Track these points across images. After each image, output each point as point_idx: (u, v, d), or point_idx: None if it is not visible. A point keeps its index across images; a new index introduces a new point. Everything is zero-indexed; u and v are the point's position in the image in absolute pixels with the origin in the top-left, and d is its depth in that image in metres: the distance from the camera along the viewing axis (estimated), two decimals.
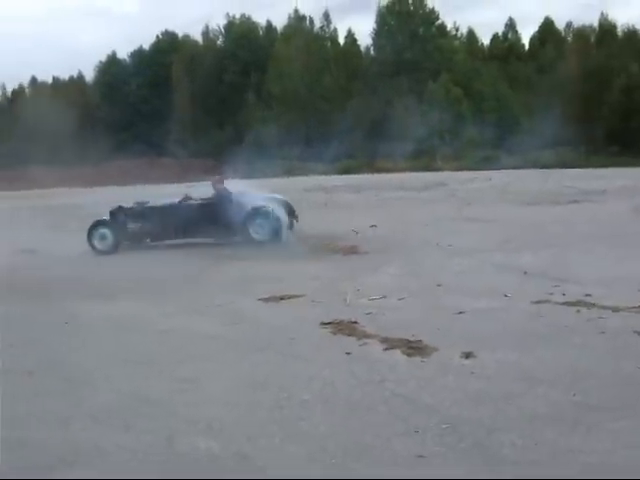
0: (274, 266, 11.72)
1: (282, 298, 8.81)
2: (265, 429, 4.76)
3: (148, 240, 15.36)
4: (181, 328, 7.70)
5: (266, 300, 8.77)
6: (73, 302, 9.49)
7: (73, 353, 6.98)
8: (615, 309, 7.53)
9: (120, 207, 15.38)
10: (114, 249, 14.77)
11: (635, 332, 6.61)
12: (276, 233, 14.47)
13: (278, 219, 14.62)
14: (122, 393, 5.63)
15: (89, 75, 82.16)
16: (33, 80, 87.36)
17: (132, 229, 15.13)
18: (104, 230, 14.92)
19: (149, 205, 15.56)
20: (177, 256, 13.73)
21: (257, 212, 14.66)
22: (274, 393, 5.41)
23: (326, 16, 73.52)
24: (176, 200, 15.43)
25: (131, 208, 15.41)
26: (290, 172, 40.48)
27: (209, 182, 15.75)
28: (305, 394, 5.33)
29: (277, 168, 37.45)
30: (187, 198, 15.48)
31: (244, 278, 10.72)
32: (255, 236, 14.52)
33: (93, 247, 14.76)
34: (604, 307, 7.62)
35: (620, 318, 7.23)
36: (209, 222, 14.63)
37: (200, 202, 15.28)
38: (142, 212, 15.27)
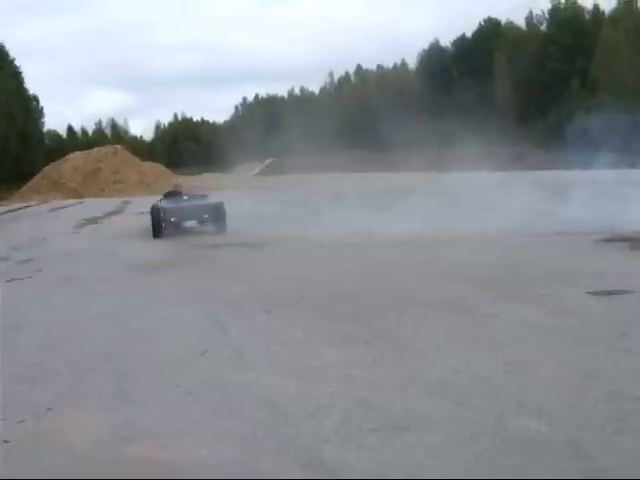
0: (601, 261, 11.50)
1: (611, 292, 8.63)
2: (594, 419, 4.78)
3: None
4: (505, 313, 7.87)
5: (594, 293, 8.64)
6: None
7: (404, 327, 7.44)
8: None
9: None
10: None
11: None
12: (222, 226, 18.82)
13: (222, 215, 18.92)
14: (452, 368, 5.92)
15: (412, 63, 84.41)
16: (358, 68, 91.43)
17: None
18: None
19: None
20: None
21: (208, 209, 19.02)
22: (603, 385, 5.37)
23: None
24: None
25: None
26: (616, 165, 38.67)
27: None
28: (636, 390, 5.26)
29: (603, 160, 35.93)
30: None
31: (564, 270, 10.62)
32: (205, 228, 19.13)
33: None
34: None
35: None
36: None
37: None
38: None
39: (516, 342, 6.66)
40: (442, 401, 5.22)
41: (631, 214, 15.67)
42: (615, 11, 70.98)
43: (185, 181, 42.72)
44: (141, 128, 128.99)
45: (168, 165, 64.67)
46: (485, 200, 22.23)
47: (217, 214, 18.97)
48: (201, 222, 19.28)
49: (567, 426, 4.70)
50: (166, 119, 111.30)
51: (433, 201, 23.08)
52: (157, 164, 61.46)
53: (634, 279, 9.48)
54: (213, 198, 20.68)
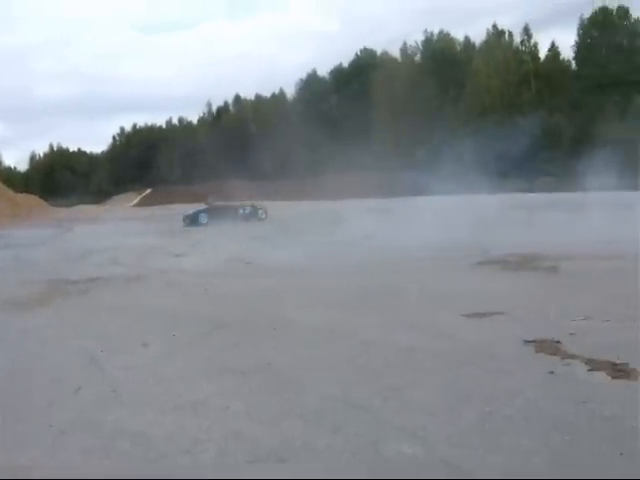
0: (475, 283, 11.82)
1: (484, 314, 8.86)
2: (469, 440, 4.87)
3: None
4: (383, 339, 7.94)
5: (468, 316, 8.85)
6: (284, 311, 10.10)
7: (283, 356, 7.40)
8: None
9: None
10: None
11: None
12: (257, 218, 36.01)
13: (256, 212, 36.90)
14: (330, 397, 5.91)
15: (290, 92, 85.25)
16: (237, 98, 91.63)
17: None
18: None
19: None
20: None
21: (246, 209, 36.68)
22: (477, 406, 5.49)
23: (526, 30, 72.52)
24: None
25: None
26: (488, 189, 40.21)
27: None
28: (507, 409, 5.39)
29: (476, 184, 37.26)
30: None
31: (439, 294, 10.86)
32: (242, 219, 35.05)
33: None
34: None
35: None
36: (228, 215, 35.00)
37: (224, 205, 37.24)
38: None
39: (393, 367, 6.74)
40: (319, 430, 5.20)
41: (503, 236, 16.22)
42: (485, 43, 73.74)
43: (58, 213, 42.11)
44: (15, 159, 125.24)
45: (43, 196, 62.98)
46: (365, 227, 22.57)
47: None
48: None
49: (442, 448, 4.77)
50: (42, 149, 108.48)
51: (313, 229, 23.28)
52: (31, 195, 59.88)
53: (505, 300, 9.78)
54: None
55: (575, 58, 71.24)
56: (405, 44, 79.22)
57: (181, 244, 22.58)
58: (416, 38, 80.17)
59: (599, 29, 68.23)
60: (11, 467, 4.96)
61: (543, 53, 72.86)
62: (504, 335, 7.79)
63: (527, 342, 7.37)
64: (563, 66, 71.66)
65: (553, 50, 72.36)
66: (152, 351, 7.98)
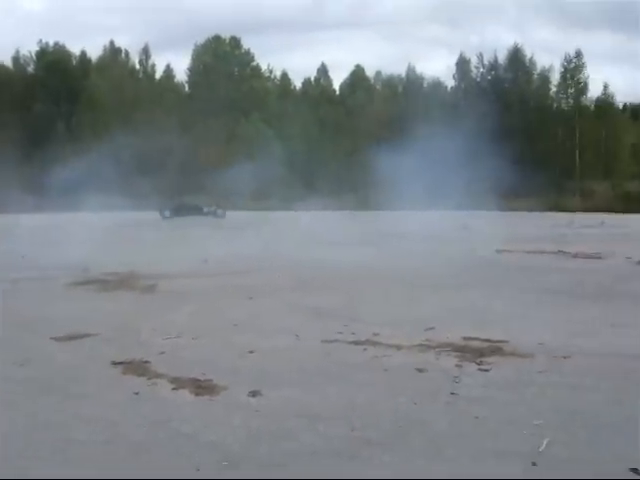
0: (70, 304, 11.49)
1: (76, 337, 8.63)
2: (42, 472, 4.67)
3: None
4: None
5: (58, 339, 8.56)
6: None
7: None
8: (399, 347, 7.95)
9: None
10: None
11: (416, 369, 7.01)
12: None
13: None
14: None
15: None
16: None
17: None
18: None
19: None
20: None
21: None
22: (55, 434, 5.31)
23: (145, 50, 73.30)
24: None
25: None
26: (105, 207, 39.71)
27: None
28: (87, 435, 5.27)
29: (89, 203, 36.51)
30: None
31: (31, 317, 10.33)
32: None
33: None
34: (389, 345, 8.03)
35: (403, 356, 7.65)
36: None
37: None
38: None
39: None
40: None
41: (108, 255, 16.08)
42: (102, 59, 73.22)
43: None
44: None
45: None
46: None
47: None
48: None
49: None
50: None
51: None
52: None
53: (98, 321, 9.65)
54: None
55: (188, 82, 73.61)
56: (18, 53, 75.64)
57: None
58: (30, 48, 76.86)
59: (212, 56, 71.19)
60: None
61: (159, 74, 74.37)
62: (93, 358, 7.69)
63: (116, 364, 7.32)
64: (177, 88, 73.57)
65: (168, 72, 74.04)
66: None
